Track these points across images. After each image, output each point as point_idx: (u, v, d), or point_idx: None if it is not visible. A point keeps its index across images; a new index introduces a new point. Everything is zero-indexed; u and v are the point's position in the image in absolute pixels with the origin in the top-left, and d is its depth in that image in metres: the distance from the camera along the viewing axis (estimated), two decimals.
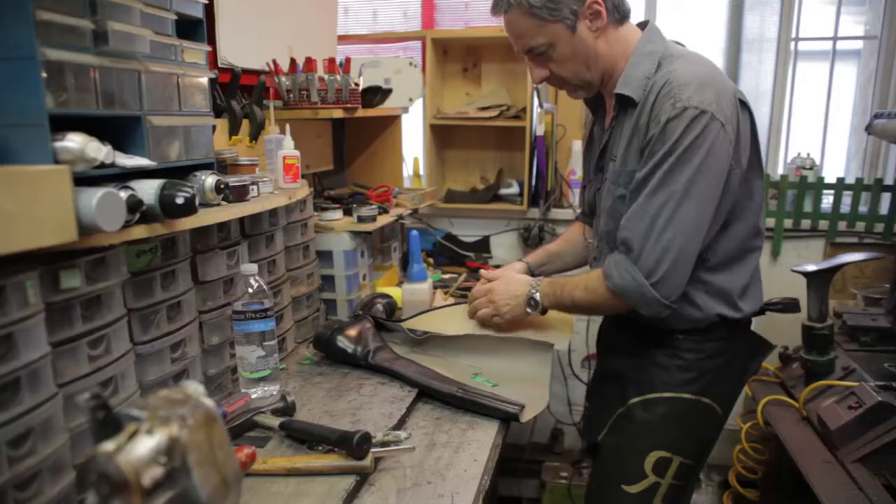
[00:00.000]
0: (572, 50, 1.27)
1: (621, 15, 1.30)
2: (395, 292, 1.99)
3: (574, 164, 2.70)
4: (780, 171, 2.76)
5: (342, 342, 1.59)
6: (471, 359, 1.55)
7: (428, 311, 1.70)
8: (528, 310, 1.45)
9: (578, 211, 1.73)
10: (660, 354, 1.38)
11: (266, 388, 1.40)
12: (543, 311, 1.47)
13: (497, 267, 1.82)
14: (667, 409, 1.37)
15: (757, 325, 1.43)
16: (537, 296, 1.44)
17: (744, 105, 1.27)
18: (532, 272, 1.63)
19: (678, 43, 1.34)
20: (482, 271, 1.67)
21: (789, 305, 1.50)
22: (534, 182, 2.71)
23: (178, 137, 1.16)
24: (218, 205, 1.26)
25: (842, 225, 2.58)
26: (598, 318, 1.68)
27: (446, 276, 2.49)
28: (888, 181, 2.56)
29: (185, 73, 1.18)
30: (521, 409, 1.32)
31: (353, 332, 1.61)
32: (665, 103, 1.19)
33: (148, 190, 1.02)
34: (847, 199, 2.57)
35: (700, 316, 1.34)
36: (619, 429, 1.43)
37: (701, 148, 1.17)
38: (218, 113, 1.56)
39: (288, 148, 1.62)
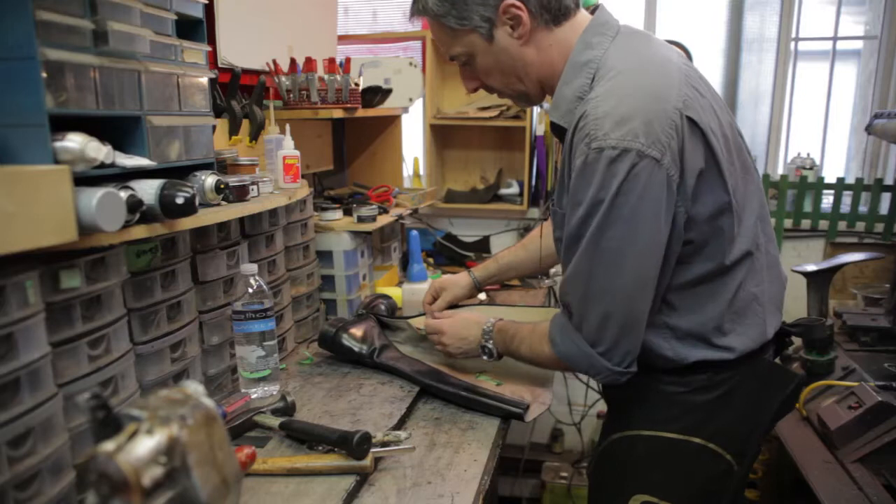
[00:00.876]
0: (494, 60, 1.11)
1: (553, 15, 1.07)
2: (395, 292, 1.99)
3: None
4: (780, 171, 2.77)
5: (348, 340, 1.59)
6: (474, 358, 1.55)
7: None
8: (485, 357, 1.35)
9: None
10: (640, 386, 1.13)
11: (266, 388, 1.40)
12: (499, 357, 1.35)
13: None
14: (646, 449, 1.16)
15: None
16: (490, 344, 1.32)
17: (694, 124, 0.99)
18: (478, 286, 1.61)
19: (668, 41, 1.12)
20: (426, 307, 1.60)
21: (809, 329, 1.36)
22: (534, 182, 2.71)
23: (178, 137, 1.16)
24: (218, 205, 1.26)
25: (842, 225, 2.58)
26: None
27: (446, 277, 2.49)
28: (888, 181, 2.56)
29: (185, 73, 1.18)
30: (525, 409, 1.33)
31: (358, 330, 1.61)
32: (580, 144, 0.99)
33: (148, 190, 1.02)
34: (847, 199, 2.57)
35: (675, 360, 1.12)
36: (601, 466, 1.27)
37: (630, 195, 0.95)
38: (218, 113, 1.56)
39: (288, 148, 1.62)
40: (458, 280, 1.61)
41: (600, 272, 1.02)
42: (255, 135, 1.71)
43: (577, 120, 1.02)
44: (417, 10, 1.15)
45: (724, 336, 1.11)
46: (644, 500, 1.16)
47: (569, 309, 1.09)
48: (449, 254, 2.76)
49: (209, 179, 1.20)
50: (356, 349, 1.58)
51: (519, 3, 1.04)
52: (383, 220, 2.02)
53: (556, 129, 1.12)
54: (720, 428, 1.14)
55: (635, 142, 0.94)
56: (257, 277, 1.37)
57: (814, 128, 2.76)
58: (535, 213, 2.76)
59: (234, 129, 1.63)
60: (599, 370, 1.07)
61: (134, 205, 0.96)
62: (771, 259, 1.18)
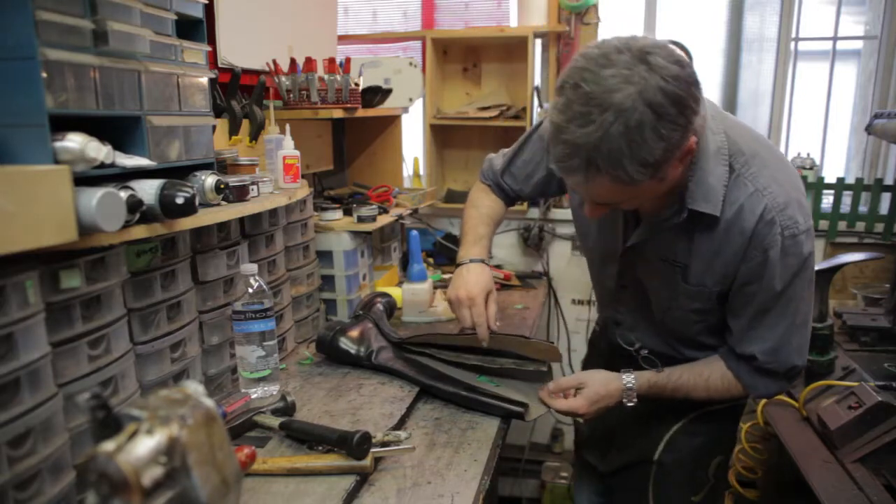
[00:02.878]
0: (656, 194, 1.09)
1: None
2: (395, 292, 1.99)
3: None
4: None
5: (345, 343, 1.59)
6: (473, 360, 1.55)
7: (433, 334, 1.61)
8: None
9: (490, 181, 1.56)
10: None
11: (266, 388, 1.40)
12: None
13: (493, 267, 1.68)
14: (723, 417, 1.39)
15: None
16: (634, 400, 1.29)
17: None
18: (488, 263, 1.51)
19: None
20: (490, 323, 1.38)
21: None
22: None
23: (178, 137, 1.16)
24: (218, 205, 1.26)
25: (842, 225, 2.58)
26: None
27: (446, 276, 2.48)
28: (888, 181, 2.55)
29: (185, 73, 1.18)
30: (525, 409, 1.33)
31: (355, 332, 1.61)
32: (771, 234, 1.09)
33: (148, 190, 1.02)
34: (847, 199, 2.56)
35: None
36: (677, 445, 1.40)
37: (812, 255, 1.14)
38: (218, 113, 1.56)
39: (288, 148, 1.62)
40: (488, 272, 1.45)
41: (796, 319, 1.17)
42: (255, 135, 1.71)
43: (752, 209, 1.10)
44: (597, 167, 0.96)
45: None
46: (719, 460, 1.43)
47: (764, 359, 1.21)
48: (449, 254, 2.76)
49: (209, 179, 1.20)
50: (353, 352, 1.58)
51: (695, 137, 1.02)
52: (383, 220, 2.02)
53: (694, 216, 1.13)
54: None
55: (808, 219, 1.12)
56: (257, 277, 1.37)
57: (814, 128, 2.76)
58: (534, 213, 2.76)
59: (234, 129, 1.63)
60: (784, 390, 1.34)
61: (134, 205, 0.96)
62: None
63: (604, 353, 1.54)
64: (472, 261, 1.42)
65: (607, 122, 0.92)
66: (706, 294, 1.21)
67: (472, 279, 1.38)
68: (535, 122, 2.63)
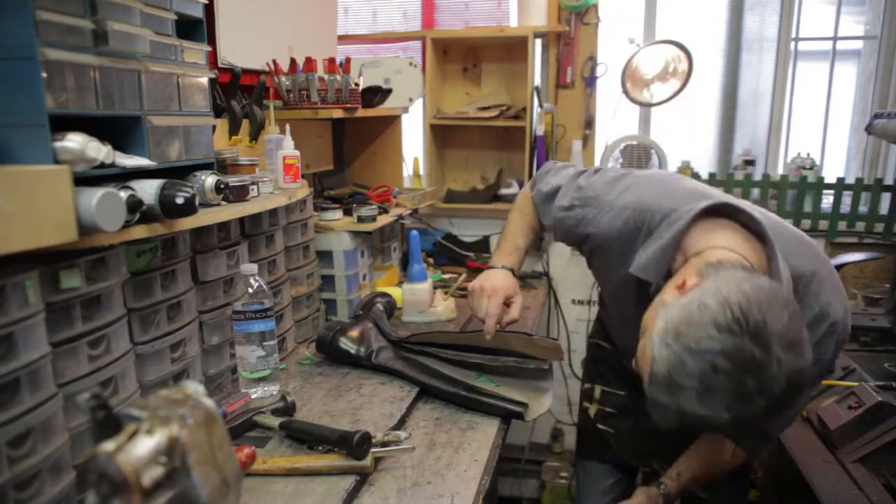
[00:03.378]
0: None
1: None
2: (395, 292, 1.99)
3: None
4: (780, 171, 2.76)
5: (345, 344, 1.59)
6: (474, 359, 1.55)
7: (434, 332, 1.62)
8: None
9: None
10: None
11: (266, 388, 1.40)
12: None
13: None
14: None
15: None
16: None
17: None
18: (518, 277, 1.49)
19: None
20: (497, 319, 1.38)
21: None
22: None
23: (178, 137, 1.16)
24: (218, 205, 1.26)
25: (842, 225, 2.58)
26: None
27: (446, 276, 2.49)
28: (888, 181, 2.55)
29: (185, 73, 1.18)
30: (525, 408, 1.33)
31: (355, 332, 1.61)
32: (830, 343, 1.14)
33: (148, 190, 1.02)
34: (847, 199, 2.57)
35: None
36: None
37: None
38: (218, 113, 1.56)
39: (288, 148, 1.62)
40: (515, 282, 1.45)
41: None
42: (255, 135, 1.71)
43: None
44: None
45: None
46: None
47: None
48: (449, 254, 2.76)
49: (209, 179, 1.20)
50: (353, 352, 1.58)
51: None
52: (383, 220, 2.02)
53: None
54: None
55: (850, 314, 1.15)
56: (257, 277, 1.37)
57: (814, 128, 2.76)
58: None
59: (234, 129, 1.63)
60: None
61: (134, 205, 0.96)
62: None
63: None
64: (503, 267, 1.43)
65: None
66: None
67: (498, 278, 1.40)
68: (535, 122, 2.64)
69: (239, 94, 1.65)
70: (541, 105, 2.65)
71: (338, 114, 1.91)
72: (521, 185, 2.73)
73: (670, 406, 0.90)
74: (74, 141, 0.89)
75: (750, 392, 0.86)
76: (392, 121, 2.55)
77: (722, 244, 1.04)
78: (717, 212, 1.09)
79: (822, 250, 1.20)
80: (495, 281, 1.39)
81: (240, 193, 1.34)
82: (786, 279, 1.08)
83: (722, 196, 1.16)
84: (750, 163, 2.70)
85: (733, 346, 0.86)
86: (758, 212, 1.15)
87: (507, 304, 1.39)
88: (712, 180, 2.64)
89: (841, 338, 1.12)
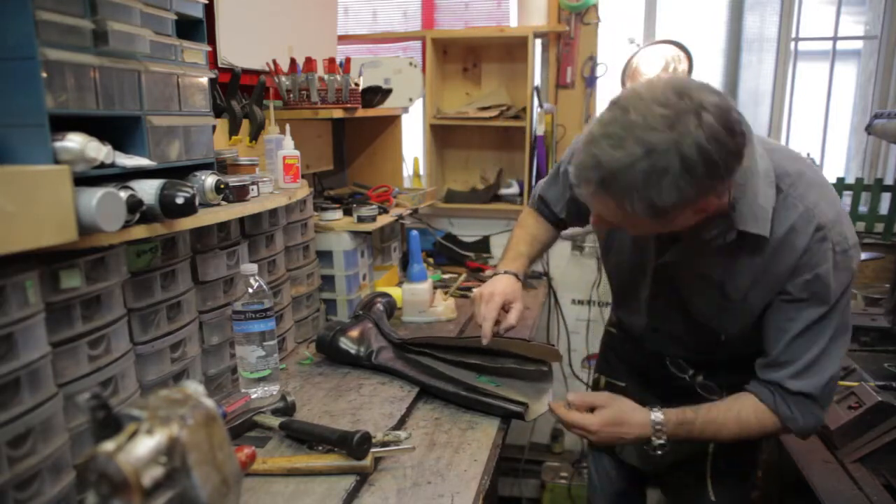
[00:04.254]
0: (653, 232, 1.16)
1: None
2: (395, 292, 1.99)
3: None
4: None
5: (345, 344, 1.59)
6: (474, 360, 1.55)
7: (434, 336, 1.61)
8: (647, 448, 1.27)
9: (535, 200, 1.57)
10: None
11: (266, 388, 1.40)
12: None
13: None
14: None
15: None
16: (663, 439, 1.22)
17: None
18: (522, 281, 1.50)
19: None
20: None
21: None
22: (534, 182, 2.71)
23: (178, 137, 1.16)
24: (218, 205, 1.26)
25: None
26: (596, 322, 1.66)
27: (446, 276, 2.49)
28: (888, 181, 2.55)
29: (185, 73, 1.18)
30: (525, 408, 1.33)
31: (355, 332, 1.61)
32: (822, 250, 1.09)
33: (148, 190, 1.02)
34: (847, 199, 2.56)
35: None
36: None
37: (855, 277, 1.14)
38: (218, 113, 1.56)
39: (288, 148, 1.62)
40: (517, 287, 1.44)
41: (842, 348, 1.16)
42: (255, 135, 1.71)
43: (802, 228, 1.10)
44: (622, 206, 0.99)
45: None
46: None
47: (807, 388, 1.16)
48: (449, 254, 2.76)
49: (209, 179, 1.20)
50: (353, 352, 1.58)
51: (718, 200, 1.04)
52: (383, 220, 2.02)
53: (742, 236, 1.12)
54: None
55: (854, 234, 1.13)
56: (257, 277, 1.37)
57: (814, 128, 2.76)
58: None
59: (234, 129, 1.63)
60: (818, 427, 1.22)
61: (134, 205, 0.96)
62: None
63: (639, 368, 1.51)
64: (506, 272, 1.45)
65: (635, 155, 0.93)
66: (749, 310, 1.19)
67: (499, 284, 1.41)
68: (535, 122, 2.64)
69: (239, 94, 1.65)
70: (541, 105, 2.65)
71: (338, 114, 1.91)
72: (521, 186, 2.73)
73: (587, 143, 1.00)
74: (74, 141, 0.89)
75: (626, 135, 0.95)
76: (392, 121, 2.55)
77: None
78: None
79: (823, 175, 1.19)
80: (495, 286, 1.40)
81: (240, 193, 1.34)
82: (763, 168, 1.11)
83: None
84: None
85: (662, 86, 0.97)
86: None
87: (505, 309, 1.39)
88: None
89: (839, 249, 1.09)
